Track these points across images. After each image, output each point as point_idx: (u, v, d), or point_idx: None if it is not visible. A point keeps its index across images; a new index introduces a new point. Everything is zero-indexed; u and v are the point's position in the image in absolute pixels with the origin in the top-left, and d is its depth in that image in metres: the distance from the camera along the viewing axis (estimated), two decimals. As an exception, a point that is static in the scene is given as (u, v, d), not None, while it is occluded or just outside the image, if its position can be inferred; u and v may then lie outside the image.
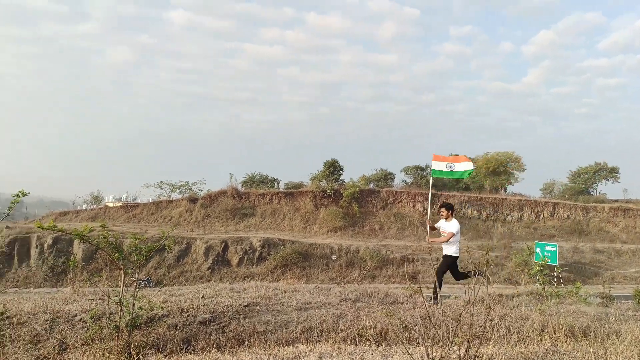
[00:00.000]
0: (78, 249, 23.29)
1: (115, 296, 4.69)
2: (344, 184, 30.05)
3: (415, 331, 4.40)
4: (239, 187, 30.73)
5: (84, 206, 32.66)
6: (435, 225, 7.68)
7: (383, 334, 4.68)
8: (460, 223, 7.53)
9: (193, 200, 29.07)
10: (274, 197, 29.41)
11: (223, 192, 29.20)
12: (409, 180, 33.75)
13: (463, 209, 29.77)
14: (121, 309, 4.54)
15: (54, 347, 4.51)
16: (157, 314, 5.10)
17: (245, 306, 5.65)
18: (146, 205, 29.49)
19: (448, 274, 7.42)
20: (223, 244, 22.86)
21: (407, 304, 6.23)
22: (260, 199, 29.29)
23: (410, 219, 28.95)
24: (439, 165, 9.20)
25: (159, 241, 5.18)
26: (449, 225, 7.35)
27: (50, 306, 5.51)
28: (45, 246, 22.30)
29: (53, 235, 22.27)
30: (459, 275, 7.56)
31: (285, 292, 6.50)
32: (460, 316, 3.07)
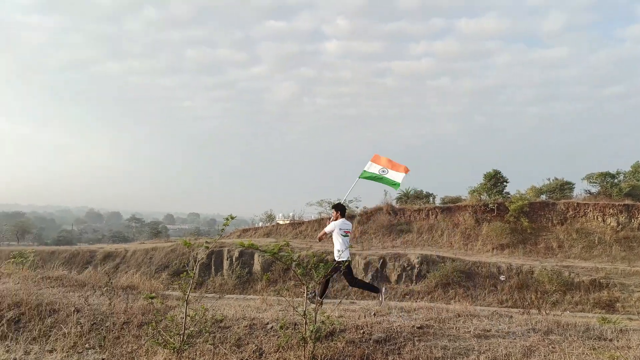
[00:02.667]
0: (257, 262, 26.67)
1: (298, 306, 5.17)
2: (509, 197, 27.13)
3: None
4: (394, 203, 30.78)
5: (260, 223, 37.31)
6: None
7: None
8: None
9: (349, 217, 30.38)
10: (430, 213, 28.50)
11: (379, 209, 29.69)
12: (593, 189, 28.37)
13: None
14: (305, 321, 4.96)
15: (253, 352, 5.18)
16: (336, 328, 5.38)
17: (419, 328, 5.51)
18: (310, 223, 32.07)
19: None
20: (381, 260, 23.06)
21: (617, 341, 5.13)
22: (416, 215, 28.73)
23: (600, 235, 24.21)
24: (372, 167, 8.03)
25: (322, 256, 5.52)
26: (328, 226, 7.16)
27: (247, 313, 6.39)
28: (234, 258, 26.19)
29: (239, 249, 26.09)
30: (353, 282, 7.35)
31: (459, 315, 6.11)
32: None
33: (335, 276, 9.47)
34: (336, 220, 7.25)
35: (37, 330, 5.95)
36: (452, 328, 5.53)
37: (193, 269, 4.80)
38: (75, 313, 6.37)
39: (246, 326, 5.79)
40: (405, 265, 22.62)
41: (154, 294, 4.65)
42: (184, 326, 3.79)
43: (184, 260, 29.55)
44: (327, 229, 7.31)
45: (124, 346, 4.98)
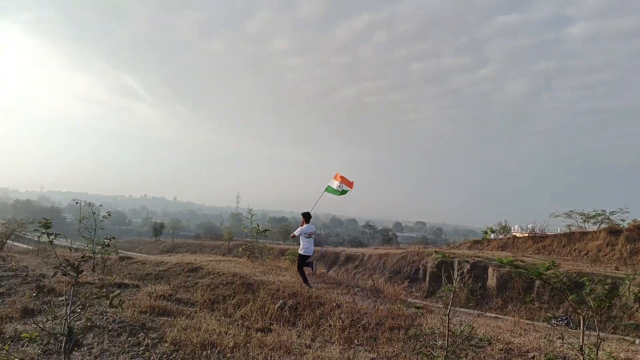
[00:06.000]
0: (492, 277, 24.64)
1: (569, 337, 4.34)
2: None
3: None
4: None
5: (492, 235, 34.45)
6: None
7: None
8: None
9: (614, 232, 24.38)
10: None
11: (661, 223, 22.77)
12: None
13: None
14: (583, 358, 4.12)
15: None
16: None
17: None
18: (556, 237, 27.49)
19: None
20: (671, 291, 17.45)
21: None
22: None
23: None
24: (333, 183, 10.95)
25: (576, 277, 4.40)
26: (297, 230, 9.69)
27: (499, 335, 5.87)
28: (465, 270, 25.01)
29: (471, 261, 24.77)
30: (299, 269, 9.41)
31: None
32: None
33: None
34: (302, 226, 9.64)
35: (310, 318, 7.12)
36: None
37: (425, 278, 4.69)
38: (337, 308, 7.32)
39: (501, 350, 5.30)
40: None
41: (419, 304, 4.80)
42: (447, 341, 3.73)
43: (414, 268, 30.28)
44: (295, 233, 9.71)
45: (385, 346, 5.35)
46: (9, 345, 3.87)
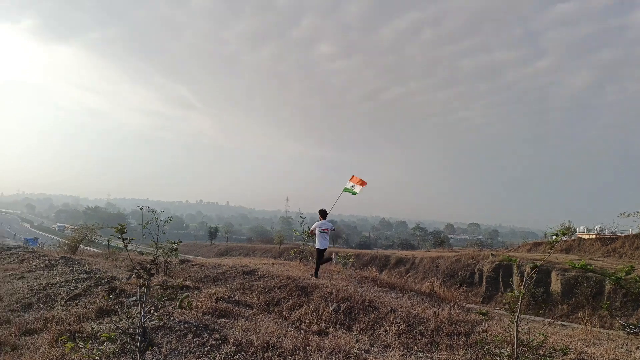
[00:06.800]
0: (557, 281, 23.14)
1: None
2: None
3: None
4: None
5: (554, 237, 32.36)
6: None
7: None
8: None
9: None
10: None
11: None
12: None
13: None
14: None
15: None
16: None
17: None
18: (627, 238, 25.32)
19: None
20: None
21: None
22: None
23: None
24: (349, 184, 11.87)
25: None
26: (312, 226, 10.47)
27: (570, 344, 5.48)
28: (525, 274, 23.67)
29: (531, 264, 23.39)
30: (321, 261, 10.24)
31: None
32: None
33: None
34: (319, 221, 10.38)
35: (365, 322, 7.06)
36: None
37: (481, 282, 4.46)
38: (392, 312, 7.21)
39: (572, 361, 4.95)
40: None
41: (485, 311, 4.61)
42: (516, 351, 3.53)
43: (469, 271, 29.12)
44: (311, 228, 10.47)
45: (446, 354, 5.19)
46: (89, 344, 4.20)
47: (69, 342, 3.37)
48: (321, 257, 10.25)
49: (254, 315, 6.77)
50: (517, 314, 3.62)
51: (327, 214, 10.49)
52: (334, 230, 11.13)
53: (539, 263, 4.21)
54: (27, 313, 7.03)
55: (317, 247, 10.26)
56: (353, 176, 12.17)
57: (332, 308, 7.62)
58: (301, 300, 8.04)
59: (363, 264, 32.91)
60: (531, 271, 4.71)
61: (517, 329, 3.56)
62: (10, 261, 12.59)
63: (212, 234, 66.37)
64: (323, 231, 10.23)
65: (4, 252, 14.59)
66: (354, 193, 11.93)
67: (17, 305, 7.51)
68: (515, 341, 3.54)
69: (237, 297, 7.99)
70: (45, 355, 4.69)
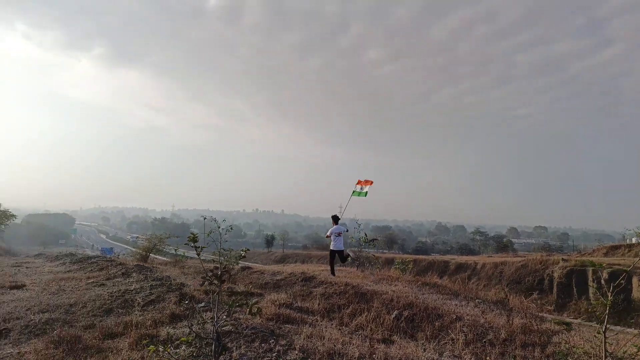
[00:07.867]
0: (638, 288, 21.08)
1: None
2: None
3: None
4: None
5: (634, 239, 29.68)
6: None
7: None
8: None
9: None
10: None
11: None
12: None
13: None
14: None
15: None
16: None
17: None
18: None
19: None
20: None
21: None
22: None
23: None
24: (357, 187, 12.70)
25: None
26: (328, 231, 11.78)
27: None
28: (602, 281, 21.81)
29: (609, 270, 21.49)
30: (342, 259, 11.71)
31: None
32: None
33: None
34: (333, 227, 11.69)
35: (429, 331, 6.86)
36: None
37: (552, 289, 4.12)
38: (458, 321, 6.94)
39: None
40: None
41: (568, 320, 4.31)
42: (605, 364, 3.26)
43: (537, 277, 27.30)
44: (327, 233, 11.76)
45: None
46: (168, 347, 4.48)
47: (151, 346, 3.62)
48: (334, 257, 11.61)
49: (317, 321, 6.83)
50: (605, 324, 3.33)
51: (339, 219, 11.86)
52: (347, 231, 12.64)
53: (627, 268, 3.86)
54: (109, 318, 7.64)
55: (332, 248, 11.60)
56: (359, 180, 12.95)
57: (394, 315, 7.48)
58: (361, 306, 7.98)
59: (420, 270, 31.97)
60: (609, 277, 4.33)
61: (604, 339, 3.28)
62: (91, 270, 13.77)
63: (269, 241, 68.04)
64: (338, 235, 11.58)
65: (86, 261, 15.98)
66: (364, 195, 12.66)
67: (100, 310, 8.19)
68: (604, 353, 3.26)
69: (298, 304, 8.11)
70: (127, 358, 5.07)
